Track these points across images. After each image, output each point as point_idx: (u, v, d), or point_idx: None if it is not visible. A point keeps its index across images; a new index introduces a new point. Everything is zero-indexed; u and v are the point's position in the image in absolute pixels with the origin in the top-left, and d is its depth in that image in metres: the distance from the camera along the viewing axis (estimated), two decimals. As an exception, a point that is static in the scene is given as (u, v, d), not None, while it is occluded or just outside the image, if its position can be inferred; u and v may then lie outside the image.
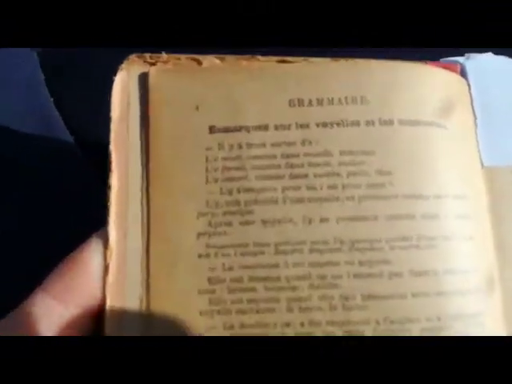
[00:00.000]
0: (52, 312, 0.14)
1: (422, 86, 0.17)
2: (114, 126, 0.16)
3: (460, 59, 0.19)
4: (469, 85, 0.18)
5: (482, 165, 0.17)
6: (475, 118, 0.18)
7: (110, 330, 0.15)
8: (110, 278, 0.15)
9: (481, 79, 0.18)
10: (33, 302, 0.14)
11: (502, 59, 0.19)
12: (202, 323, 0.15)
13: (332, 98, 0.16)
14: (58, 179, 0.23)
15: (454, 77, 0.18)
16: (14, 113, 0.24)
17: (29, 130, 0.24)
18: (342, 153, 0.16)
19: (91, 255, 0.15)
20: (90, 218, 0.16)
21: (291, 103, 0.16)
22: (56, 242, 0.20)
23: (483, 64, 0.19)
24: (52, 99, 0.24)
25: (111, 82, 0.17)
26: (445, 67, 0.18)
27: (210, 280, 0.15)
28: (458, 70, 0.18)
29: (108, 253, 0.15)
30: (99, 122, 0.16)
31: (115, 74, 0.17)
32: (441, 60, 0.19)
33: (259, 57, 0.17)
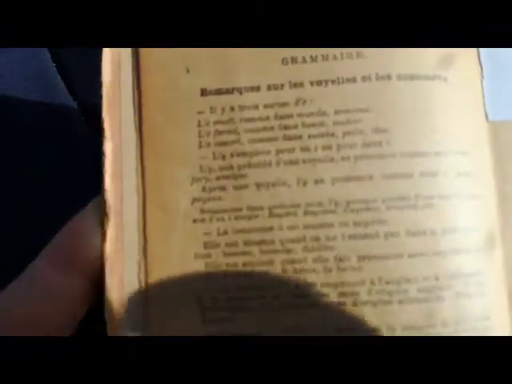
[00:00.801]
0: (52, 282, 0.14)
1: (421, 37, 0.15)
2: (105, 91, 0.16)
3: (468, 48, 0.18)
4: (476, 34, 0.17)
5: (487, 119, 0.16)
6: (481, 69, 0.17)
7: (109, 297, 0.15)
8: (108, 245, 0.15)
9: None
10: (34, 270, 0.15)
11: None
12: (199, 286, 0.15)
13: (327, 54, 0.15)
14: (61, 144, 0.23)
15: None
16: (17, 79, 0.23)
17: (31, 96, 0.23)
18: (337, 112, 0.15)
19: (89, 222, 0.15)
20: (93, 184, 0.16)
21: (284, 61, 0.16)
22: (58, 208, 0.20)
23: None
24: (54, 65, 0.24)
25: None
26: (449, 16, 0.17)
27: (205, 244, 0.15)
28: (464, 18, 0.17)
29: (105, 220, 0.15)
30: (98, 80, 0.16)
31: (104, 39, 0.16)
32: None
33: None
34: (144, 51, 0.16)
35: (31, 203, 0.22)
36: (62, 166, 0.22)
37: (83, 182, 0.21)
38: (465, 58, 0.16)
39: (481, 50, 0.17)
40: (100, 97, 0.16)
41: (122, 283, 0.15)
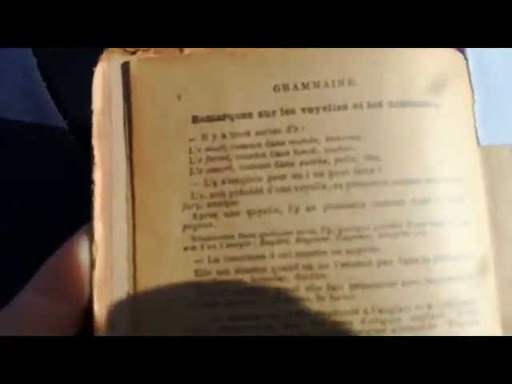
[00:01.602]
0: (41, 309, 0.14)
1: (411, 64, 0.15)
2: (96, 119, 0.16)
3: (468, 48, 0.18)
4: (466, 59, 0.17)
5: (479, 144, 0.16)
6: (473, 93, 0.17)
7: (98, 326, 0.14)
8: (97, 272, 0.15)
9: (480, 53, 0.17)
10: (22, 300, 0.14)
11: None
12: (190, 316, 0.14)
13: (318, 82, 0.15)
14: (50, 165, 0.22)
15: (448, 51, 0.16)
16: (6, 97, 0.23)
17: (21, 115, 0.23)
18: (328, 139, 0.15)
19: (78, 251, 0.15)
20: (82, 206, 0.16)
21: (276, 88, 0.15)
22: (45, 230, 0.20)
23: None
24: (45, 83, 0.23)
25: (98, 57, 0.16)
26: (439, 42, 0.17)
27: (196, 272, 0.15)
28: (454, 44, 0.17)
29: (94, 247, 0.15)
30: (88, 106, 0.16)
31: (95, 65, 0.16)
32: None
33: None
34: (135, 79, 0.16)
35: (19, 224, 0.22)
36: (51, 187, 0.22)
37: (72, 205, 0.21)
38: (456, 82, 0.16)
39: (472, 73, 0.17)
40: (90, 124, 0.16)
41: (109, 312, 0.15)
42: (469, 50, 0.17)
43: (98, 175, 0.15)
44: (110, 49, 0.16)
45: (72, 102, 0.23)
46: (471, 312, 0.14)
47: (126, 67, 0.16)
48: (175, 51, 0.16)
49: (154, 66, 0.16)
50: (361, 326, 0.14)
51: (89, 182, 0.16)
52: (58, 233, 0.15)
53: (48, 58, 0.24)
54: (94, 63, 0.16)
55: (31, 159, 0.22)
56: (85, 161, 0.22)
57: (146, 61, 0.16)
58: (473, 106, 0.16)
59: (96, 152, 0.15)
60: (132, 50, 0.16)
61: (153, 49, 0.16)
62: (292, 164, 0.15)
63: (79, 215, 0.16)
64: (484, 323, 0.15)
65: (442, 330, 0.14)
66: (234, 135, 0.15)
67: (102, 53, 0.16)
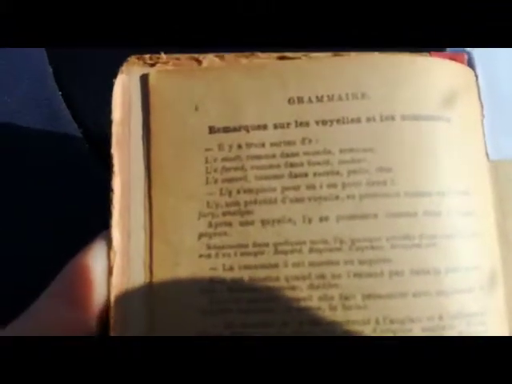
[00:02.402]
0: (58, 315, 0.14)
1: (423, 78, 0.16)
2: (115, 129, 0.16)
3: (468, 48, 0.18)
4: (476, 75, 0.17)
5: (488, 158, 0.16)
6: (482, 109, 0.17)
7: (115, 332, 0.14)
8: (114, 279, 0.15)
9: (489, 68, 0.17)
10: (39, 306, 0.14)
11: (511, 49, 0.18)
12: (204, 322, 0.15)
13: (332, 95, 0.15)
14: (65, 173, 0.22)
15: (459, 67, 0.16)
16: (22, 105, 0.23)
17: (36, 123, 0.23)
18: (342, 151, 0.15)
19: (95, 258, 0.15)
20: (96, 214, 0.16)
21: (290, 101, 0.16)
22: (62, 238, 0.20)
23: (492, 52, 0.17)
24: (60, 92, 0.24)
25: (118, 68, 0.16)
26: (450, 57, 0.17)
27: (211, 280, 0.15)
28: (465, 59, 0.17)
29: (112, 254, 0.15)
30: (107, 116, 0.16)
31: (115, 77, 0.16)
32: (448, 49, 0.18)
33: (259, 53, 0.16)
34: (153, 90, 0.16)
35: (36, 232, 0.22)
36: (65, 194, 0.22)
37: (87, 213, 0.21)
38: (467, 97, 0.16)
39: (482, 87, 0.17)
40: (110, 133, 0.16)
41: (126, 317, 0.15)
42: (478, 66, 0.17)
43: (116, 183, 0.15)
44: (129, 60, 0.16)
45: (87, 110, 0.23)
46: (481, 323, 0.14)
47: (145, 79, 0.16)
48: (193, 64, 0.16)
49: (172, 78, 0.16)
50: (372, 335, 0.14)
51: (103, 189, 0.16)
52: (73, 239, 0.15)
53: (63, 67, 0.24)
54: (109, 72, 0.16)
55: (45, 166, 0.23)
56: (98, 169, 0.23)
57: (165, 73, 0.16)
58: (482, 121, 0.17)
59: (115, 161, 0.15)
60: (151, 61, 0.16)
61: (171, 61, 0.16)
62: (306, 175, 0.15)
63: (93, 222, 0.16)
64: (493, 334, 0.15)
65: None
66: (249, 146, 0.15)
67: (121, 65, 0.16)
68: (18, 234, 0.22)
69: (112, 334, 0.14)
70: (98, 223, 0.16)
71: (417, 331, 0.14)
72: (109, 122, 0.16)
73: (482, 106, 0.17)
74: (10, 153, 0.23)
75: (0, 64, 0.24)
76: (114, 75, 0.16)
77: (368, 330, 0.14)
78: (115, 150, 0.16)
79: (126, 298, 0.15)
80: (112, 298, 0.15)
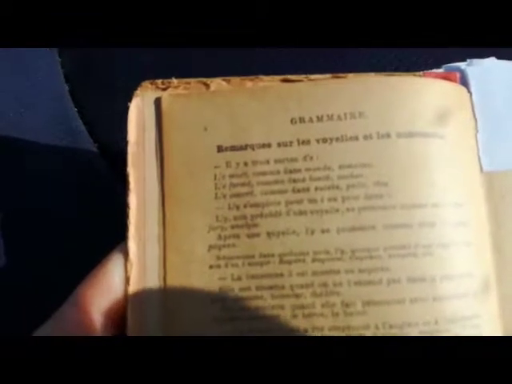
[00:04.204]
0: (80, 322, 0.15)
1: (417, 98, 0.16)
2: (131, 149, 0.17)
3: (462, 65, 0.18)
4: (470, 91, 0.18)
5: (482, 170, 0.17)
6: (475, 123, 0.17)
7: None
8: (131, 288, 0.16)
9: (482, 84, 0.18)
10: (63, 313, 0.15)
11: (504, 63, 0.18)
12: (214, 329, 0.15)
13: (331, 115, 0.16)
14: (81, 185, 0.23)
15: (451, 86, 0.17)
16: (39, 123, 0.24)
17: (54, 140, 0.24)
18: (341, 167, 0.16)
19: (114, 269, 0.16)
20: (113, 228, 0.17)
21: (293, 121, 0.16)
22: (81, 250, 0.21)
23: (485, 69, 0.18)
24: (76, 109, 0.24)
25: (133, 93, 0.17)
26: (443, 77, 0.18)
27: (220, 289, 0.15)
28: (457, 78, 0.18)
29: (129, 265, 0.16)
30: (122, 132, 0.17)
31: (130, 100, 0.17)
32: (443, 66, 0.19)
33: (263, 76, 0.17)
34: (166, 112, 0.17)
35: (55, 243, 0.22)
36: (85, 209, 0.23)
37: (103, 223, 0.22)
38: (460, 114, 0.17)
39: (475, 103, 0.17)
40: (126, 153, 0.17)
41: (143, 324, 0.16)
42: (472, 82, 0.18)
43: (132, 200, 0.16)
44: (143, 85, 0.17)
45: (102, 127, 0.24)
46: (475, 327, 0.15)
47: (158, 102, 0.17)
48: (201, 87, 0.17)
49: (183, 101, 0.17)
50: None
51: (117, 200, 0.17)
52: (88, 248, 0.16)
53: (79, 85, 0.25)
54: (123, 91, 0.17)
55: (63, 179, 0.23)
56: (113, 182, 0.23)
57: (176, 96, 0.17)
58: (476, 135, 0.17)
59: (131, 179, 0.16)
60: (163, 86, 0.17)
61: (182, 85, 0.17)
62: (308, 190, 0.16)
63: (112, 234, 0.17)
64: (487, 338, 0.15)
65: None
66: (255, 163, 0.16)
67: (136, 89, 0.17)
68: (37, 242, 0.22)
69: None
70: (112, 232, 0.16)
71: (414, 335, 0.15)
72: (125, 143, 0.17)
73: (475, 121, 0.17)
74: (32, 166, 0.23)
75: (22, 83, 0.25)
76: (129, 98, 0.17)
77: (368, 335, 0.15)
78: (131, 169, 0.16)
79: (141, 306, 0.16)
80: (129, 307, 0.15)
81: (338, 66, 0.23)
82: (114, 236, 0.16)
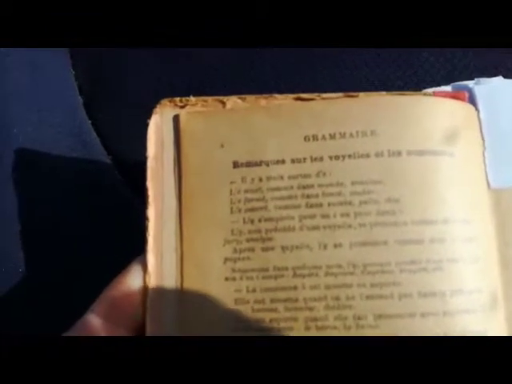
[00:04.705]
0: (101, 331, 0.15)
1: (427, 117, 0.17)
2: (150, 164, 0.17)
3: (470, 83, 0.19)
4: (477, 109, 0.18)
5: (489, 186, 0.17)
6: (483, 141, 0.18)
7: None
8: (149, 300, 0.16)
9: (490, 102, 0.18)
10: (85, 322, 0.16)
11: (511, 82, 0.19)
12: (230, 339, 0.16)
13: (344, 132, 0.17)
14: (96, 199, 0.23)
15: (461, 105, 0.17)
16: (54, 136, 0.24)
17: (68, 152, 0.24)
18: (353, 183, 0.16)
19: (133, 281, 0.16)
20: (127, 238, 0.17)
21: (306, 138, 0.17)
22: (95, 259, 0.21)
23: (493, 88, 0.18)
24: (90, 122, 0.25)
25: (146, 104, 0.17)
26: (452, 96, 0.18)
27: (236, 301, 0.16)
28: (466, 97, 0.18)
29: (147, 277, 0.16)
30: (135, 144, 0.17)
31: (149, 117, 0.17)
32: (451, 84, 0.19)
33: (276, 95, 0.17)
34: (183, 129, 0.17)
35: (67, 253, 0.23)
36: (97, 220, 0.23)
37: (117, 235, 0.22)
38: (468, 132, 0.17)
39: (483, 120, 0.18)
40: (145, 168, 0.17)
41: (160, 333, 0.16)
42: (479, 101, 0.18)
43: (151, 213, 0.17)
44: (162, 103, 0.18)
45: (115, 139, 0.24)
46: None
47: (176, 119, 0.17)
48: (218, 105, 0.18)
49: (201, 118, 0.17)
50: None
51: (128, 209, 0.17)
52: (108, 261, 0.17)
53: (93, 98, 0.25)
54: (135, 103, 0.17)
55: (77, 192, 0.24)
56: (126, 192, 0.24)
57: (194, 114, 0.17)
58: (483, 153, 0.17)
59: (150, 192, 0.17)
60: (181, 104, 0.18)
61: (199, 103, 0.17)
62: (321, 205, 0.16)
63: (126, 244, 0.17)
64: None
65: None
66: (269, 179, 0.17)
67: (155, 106, 0.18)
68: (50, 251, 0.23)
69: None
70: (125, 240, 0.17)
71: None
72: (144, 158, 0.17)
73: (483, 139, 0.18)
74: (46, 178, 0.24)
75: (38, 96, 0.25)
76: (141, 111, 0.17)
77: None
78: (150, 183, 0.17)
79: (159, 316, 0.16)
80: (147, 317, 0.16)
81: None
82: (125, 246, 0.17)
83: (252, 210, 0.16)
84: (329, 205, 0.16)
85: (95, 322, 0.15)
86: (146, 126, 0.17)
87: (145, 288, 0.16)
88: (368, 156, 0.16)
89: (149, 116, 0.17)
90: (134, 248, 0.17)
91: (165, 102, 0.17)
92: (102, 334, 0.15)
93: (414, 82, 0.23)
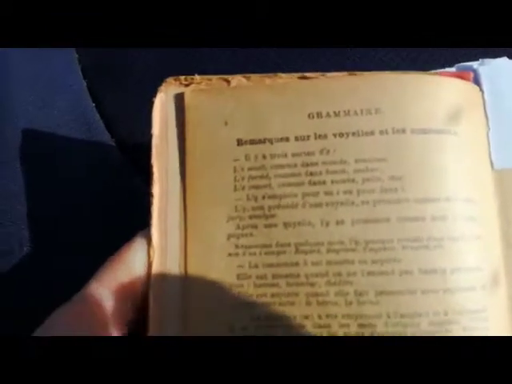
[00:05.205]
0: (103, 299, 0.16)
1: (432, 96, 0.16)
2: (155, 142, 0.17)
3: (474, 64, 0.19)
4: (482, 90, 0.18)
5: (493, 167, 0.17)
6: (487, 121, 0.17)
7: (152, 321, 0.16)
8: (153, 274, 0.16)
9: (494, 83, 0.18)
10: (88, 290, 0.16)
11: (516, 62, 0.18)
12: (232, 315, 0.16)
13: (348, 110, 0.17)
14: (100, 181, 0.24)
15: (465, 85, 0.17)
16: (58, 119, 0.24)
17: (72, 135, 0.24)
18: (357, 161, 0.16)
19: (136, 252, 0.16)
20: (131, 220, 0.17)
21: (310, 116, 0.17)
22: (99, 239, 0.21)
23: (497, 68, 0.18)
24: (94, 104, 0.25)
25: (149, 87, 0.17)
26: (457, 76, 0.18)
27: (238, 276, 0.16)
28: (471, 77, 0.18)
29: (151, 251, 0.16)
30: (139, 126, 0.17)
31: (155, 95, 0.17)
32: (456, 65, 0.19)
33: (281, 74, 0.17)
34: (188, 107, 0.17)
35: (73, 229, 0.23)
36: (101, 201, 0.23)
37: (119, 213, 0.22)
38: (472, 112, 0.17)
39: (487, 101, 0.18)
40: (139, 135, 0.17)
41: (163, 309, 0.16)
42: (484, 81, 0.18)
43: (156, 189, 0.17)
44: (167, 81, 0.18)
45: (119, 121, 0.24)
46: (483, 319, 0.15)
47: (180, 98, 0.17)
48: (223, 83, 0.17)
49: (205, 96, 0.17)
50: (384, 328, 0.15)
51: (133, 191, 0.17)
52: (111, 241, 0.17)
53: (96, 81, 0.25)
54: (138, 85, 0.17)
55: (81, 174, 0.24)
56: (129, 174, 0.24)
57: (198, 92, 0.17)
58: (487, 133, 0.17)
59: (155, 169, 0.17)
60: (186, 82, 0.18)
61: (204, 81, 0.17)
62: (324, 182, 0.16)
63: (129, 223, 0.17)
64: (495, 330, 0.15)
65: (456, 334, 0.15)
66: (273, 156, 0.16)
67: (160, 85, 0.18)
68: (55, 232, 0.23)
69: (150, 319, 0.16)
70: (128, 221, 0.17)
71: (424, 325, 0.15)
72: (149, 136, 0.17)
73: (487, 119, 0.17)
74: (49, 161, 0.24)
75: (41, 79, 0.25)
76: (145, 93, 0.17)
77: (380, 323, 0.15)
78: (155, 160, 0.17)
79: (162, 289, 0.16)
80: (151, 290, 0.16)
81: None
82: (129, 227, 0.17)
83: (255, 187, 0.16)
84: (332, 182, 0.16)
85: (98, 289, 0.16)
86: (151, 104, 0.17)
87: (149, 262, 0.16)
88: (372, 134, 0.16)
89: (154, 95, 0.17)
90: (137, 228, 0.17)
91: (170, 80, 0.17)
92: (104, 302, 0.15)
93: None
